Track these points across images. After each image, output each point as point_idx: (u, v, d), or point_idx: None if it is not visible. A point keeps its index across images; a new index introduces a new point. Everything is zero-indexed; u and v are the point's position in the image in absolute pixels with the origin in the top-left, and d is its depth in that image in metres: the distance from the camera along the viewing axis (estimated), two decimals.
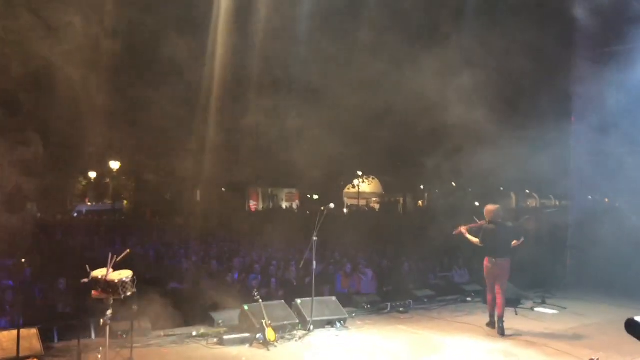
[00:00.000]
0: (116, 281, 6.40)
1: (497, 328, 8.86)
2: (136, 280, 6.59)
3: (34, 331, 6.77)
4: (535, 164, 14.13)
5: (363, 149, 19.06)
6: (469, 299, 11.44)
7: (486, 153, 17.27)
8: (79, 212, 28.65)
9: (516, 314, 10.20)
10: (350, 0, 15.10)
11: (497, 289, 8.92)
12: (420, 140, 18.63)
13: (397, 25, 15.08)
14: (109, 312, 6.46)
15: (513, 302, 10.61)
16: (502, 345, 8.32)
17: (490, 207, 9.22)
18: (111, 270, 6.51)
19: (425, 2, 14.71)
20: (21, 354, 6.29)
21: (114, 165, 26.50)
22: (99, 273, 6.49)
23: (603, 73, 12.46)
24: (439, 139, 16.27)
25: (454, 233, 9.58)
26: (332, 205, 9.17)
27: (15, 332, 6.46)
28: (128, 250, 6.81)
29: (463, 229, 9.36)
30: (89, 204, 32.75)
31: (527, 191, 27.74)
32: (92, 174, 31.09)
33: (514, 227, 9.51)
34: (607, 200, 17.20)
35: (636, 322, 3.46)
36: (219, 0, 14.77)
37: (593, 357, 4.91)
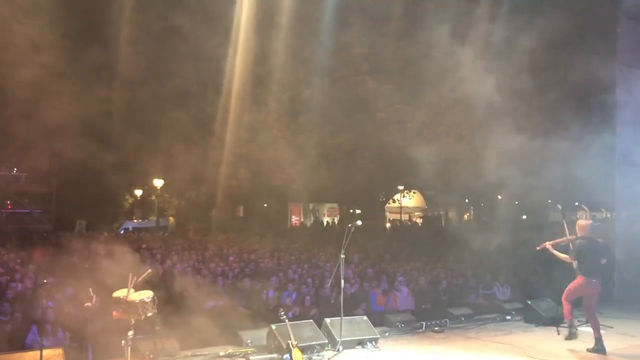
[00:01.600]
0: (137, 301, 6.40)
1: (597, 349, 8.48)
2: (157, 301, 6.57)
3: (59, 351, 6.81)
4: (582, 174, 13.64)
5: (403, 162, 18.80)
6: (508, 317, 10.98)
7: (530, 165, 16.81)
8: (126, 230, 29.27)
9: (558, 334, 9.71)
10: None
11: (591, 311, 8.69)
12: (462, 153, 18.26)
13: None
14: (131, 332, 6.46)
15: (554, 320, 10.13)
16: None
17: (583, 223, 8.81)
18: (132, 290, 6.52)
19: None
20: None
21: (158, 182, 27.00)
22: (120, 293, 6.51)
23: None
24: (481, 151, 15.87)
25: (537, 248, 9.22)
26: (359, 223, 8.99)
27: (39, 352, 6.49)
28: (149, 271, 6.82)
29: (548, 245, 8.98)
30: (135, 221, 33.47)
31: (577, 203, 26.70)
32: (138, 192, 31.81)
33: (604, 244, 9.04)
34: None
35: None
36: None
37: None
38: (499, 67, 15.01)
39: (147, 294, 6.54)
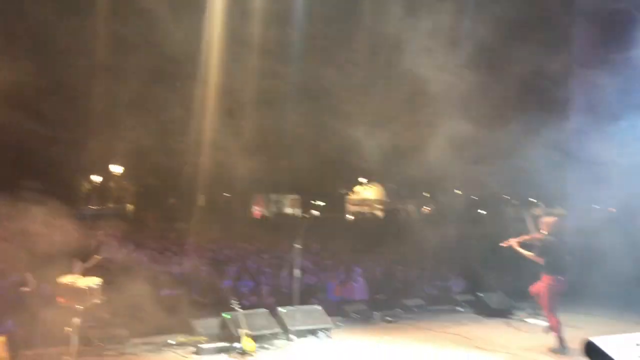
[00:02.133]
0: (83, 288, 6.28)
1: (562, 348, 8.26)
2: (105, 287, 6.46)
3: (1, 339, 6.62)
4: (538, 172, 13.92)
5: (365, 154, 18.89)
6: (460, 308, 11.21)
7: (490, 161, 17.11)
8: (82, 216, 28.64)
9: (507, 325, 9.96)
10: None
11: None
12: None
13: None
14: (76, 319, 6.33)
15: (504, 312, 10.38)
16: (488, 357, 8.08)
17: (550, 220, 8.72)
18: (79, 276, 6.39)
19: None
20: None
21: (117, 169, 26.46)
22: (66, 279, 6.37)
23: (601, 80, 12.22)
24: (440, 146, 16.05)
25: (502, 245, 9.01)
26: (316, 213, 9.01)
27: None
28: (98, 257, 6.69)
29: (514, 242, 8.80)
30: (92, 207, 32.73)
31: (534, 200, 27.31)
32: (96, 178, 31.13)
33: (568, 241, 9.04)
34: (612, 210, 16.88)
35: (595, 346, 3.19)
36: None
37: None
38: (453, 59, 15.20)
39: (94, 281, 6.42)
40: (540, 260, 8.53)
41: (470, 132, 16.22)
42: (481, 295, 11.15)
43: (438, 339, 9.13)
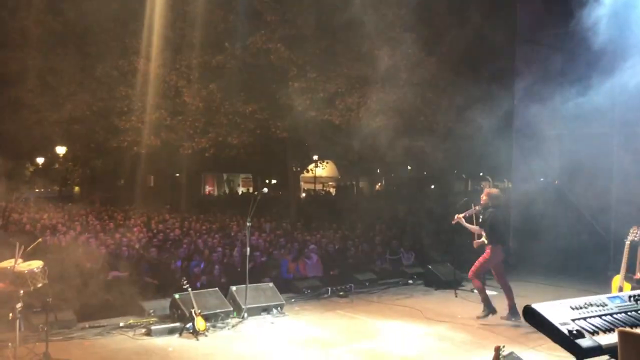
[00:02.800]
0: (25, 272, 6.08)
1: (514, 315, 8.45)
2: (47, 271, 6.27)
3: None
4: (485, 147, 14.23)
5: (317, 131, 18.87)
6: (410, 281, 11.43)
7: (438, 138, 17.41)
8: (26, 199, 27.68)
9: (456, 296, 10.23)
10: None
11: (503, 279, 8.68)
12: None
13: None
14: (19, 304, 6.14)
15: (452, 283, 10.64)
16: (437, 328, 8.28)
17: (493, 191, 8.78)
18: (20, 260, 6.19)
19: None
20: None
21: (61, 150, 25.64)
22: (7, 264, 6.15)
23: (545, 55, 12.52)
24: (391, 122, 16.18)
25: (452, 222, 9.03)
26: (265, 190, 8.97)
27: None
28: (39, 240, 6.49)
29: (460, 217, 8.88)
30: (37, 190, 31.70)
31: (481, 174, 28.04)
32: (40, 160, 30.09)
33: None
34: (556, 182, 17.48)
35: (533, 310, 3.31)
36: None
37: (500, 345, 4.79)
38: (398, 35, 15.32)
39: (36, 264, 6.22)
40: (480, 231, 8.63)
41: (416, 106, 16.49)
42: (430, 267, 11.38)
43: (389, 311, 9.31)
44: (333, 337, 7.85)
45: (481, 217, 8.68)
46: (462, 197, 16.66)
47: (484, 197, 8.69)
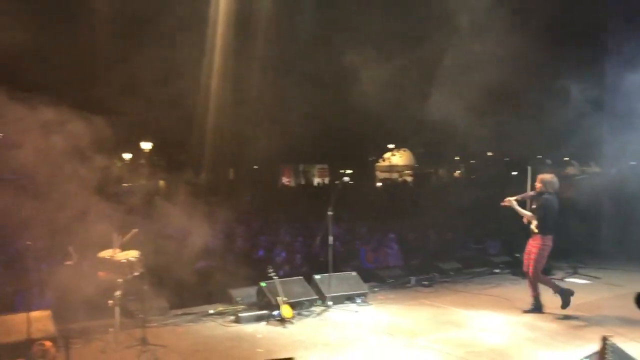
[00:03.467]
0: (123, 261, 6.38)
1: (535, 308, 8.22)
2: (144, 260, 6.55)
3: (47, 313, 6.80)
4: (571, 130, 13.58)
5: (391, 120, 18.63)
6: (497, 270, 11.11)
7: (521, 120, 16.71)
8: (116, 193, 29.13)
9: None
10: None
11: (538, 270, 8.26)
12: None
13: None
14: (118, 292, 6.45)
15: (544, 272, 10.23)
16: (526, 318, 8.03)
17: (547, 177, 8.27)
18: (118, 250, 6.50)
19: None
20: (33, 336, 6.29)
21: (146, 145, 26.72)
22: (106, 253, 6.48)
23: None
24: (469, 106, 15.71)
25: (502, 204, 8.53)
26: (346, 179, 8.97)
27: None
28: (135, 230, 6.78)
29: (512, 200, 8.36)
30: (125, 185, 33.24)
31: (566, 158, 26.75)
32: (127, 156, 31.52)
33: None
34: None
35: None
36: None
37: (606, 335, 4.56)
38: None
39: (133, 254, 6.53)
40: (532, 218, 8.18)
41: (500, 89, 15.84)
42: (518, 255, 10.98)
43: (475, 300, 9.10)
44: (419, 326, 7.76)
45: (535, 203, 8.26)
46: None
47: (538, 183, 8.25)
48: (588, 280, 10.20)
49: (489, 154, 29.86)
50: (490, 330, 7.52)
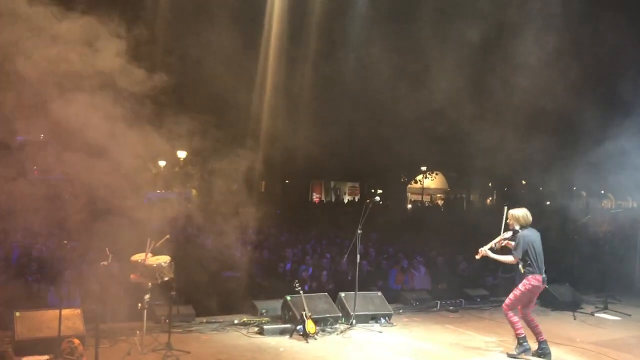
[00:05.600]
0: (154, 265, 6.52)
1: (544, 354, 7.38)
2: (174, 266, 6.68)
3: (77, 311, 6.98)
4: (611, 163, 13.37)
5: (426, 143, 18.63)
6: None
7: (559, 151, 16.52)
8: (149, 200, 29.61)
9: (574, 319, 9.67)
10: None
11: (529, 311, 7.58)
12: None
13: None
14: (147, 296, 6.59)
15: (571, 305, 10.08)
16: (554, 350, 7.83)
17: (518, 212, 7.46)
18: (150, 254, 6.64)
19: None
20: (63, 334, 6.48)
21: (181, 154, 27.16)
22: (138, 257, 6.64)
23: None
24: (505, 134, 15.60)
25: (477, 257, 7.80)
26: (377, 198, 9.00)
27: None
28: (167, 236, 6.92)
29: (486, 250, 7.58)
30: (158, 192, 33.77)
31: (602, 191, 26.28)
32: (162, 163, 32.08)
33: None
34: None
35: None
36: None
37: None
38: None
39: (164, 259, 6.66)
40: (516, 260, 7.38)
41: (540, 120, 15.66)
42: (547, 287, 10.78)
43: (501, 329, 8.93)
44: (443, 351, 7.70)
45: (513, 243, 7.43)
46: (583, 215, 15.76)
47: (510, 220, 7.51)
48: (618, 316, 9.95)
49: (523, 182, 29.55)
50: None
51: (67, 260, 7.35)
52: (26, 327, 6.66)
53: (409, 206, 31.57)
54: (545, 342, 7.45)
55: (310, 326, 7.89)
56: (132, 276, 6.57)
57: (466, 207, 32.81)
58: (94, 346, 5.79)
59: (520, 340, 7.43)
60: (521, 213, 7.46)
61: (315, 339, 7.85)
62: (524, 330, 7.45)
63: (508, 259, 7.50)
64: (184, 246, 13.51)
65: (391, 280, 12.56)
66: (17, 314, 6.74)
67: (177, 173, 32.99)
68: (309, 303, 8.25)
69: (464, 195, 35.08)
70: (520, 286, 7.41)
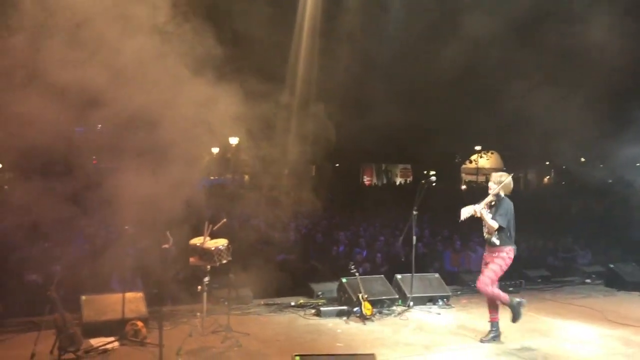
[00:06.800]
0: (212, 249, 6.59)
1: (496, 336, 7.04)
2: (231, 249, 6.74)
3: (140, 295, 7.17)
4: None
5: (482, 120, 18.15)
6: (588, 280, 10.58)
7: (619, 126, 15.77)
8: (204, 186, 30.15)
9: None
10: None
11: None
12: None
13: None
14: (206, 279, 6.69)
15: (638, 285, 9.68)
16: (621, 331, 7.58)
17: (509, 179, 7.05)
18: (208, 238, 6.72)
19: None
20: (126, 316, 6.67)
21: (233, 140, 27.47)
22: (197, 241, 6.73)
23: None
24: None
25: (463, 217, 7.18)
26: (433, 179, 8.80)
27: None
28: (224, 220, 6.99)
29: (482, 209, 6.96)
30: (212, 177, 34.35)
31: None
32: (215, 149, 32.59)
33: None
34: None
35: None
36: None
37: None
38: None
39: (222, 242, 6.73)
40: (496, 227, 6.85)
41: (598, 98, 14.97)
42: (612, 266, 10.41)
43: (563, 310, 8.71)
44: (504, 332, 7.49)
45: (493, 210, 6.94)
46: None
47: (493, 184, 7.05)
48: None
49: (582, 159, 28.46)
50: (580, 341, 7.17)
51: (128, 245, 7.54)
52: (92, 310, 6.88)
53: (463, 187, 31.01)
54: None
55: (367, 308, 7.85)
56: (191, 259, 6.67)
57: (523, 187, 31.99)
58: (156, 328, 5.91)
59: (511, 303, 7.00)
60: (508, 180, 7.05)
61: (373, 321, 7.81)
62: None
63: (493, 223, 6.86)
64: (239, 230, 13.73)
65: (446, 262, 12.38)
66: (84, 297, 6.97)
67: (229, 159, 33.52)
68: (364, 285, 8.21)
69: (520, 174, 34.17)
70: (498, 260, 6.95)
